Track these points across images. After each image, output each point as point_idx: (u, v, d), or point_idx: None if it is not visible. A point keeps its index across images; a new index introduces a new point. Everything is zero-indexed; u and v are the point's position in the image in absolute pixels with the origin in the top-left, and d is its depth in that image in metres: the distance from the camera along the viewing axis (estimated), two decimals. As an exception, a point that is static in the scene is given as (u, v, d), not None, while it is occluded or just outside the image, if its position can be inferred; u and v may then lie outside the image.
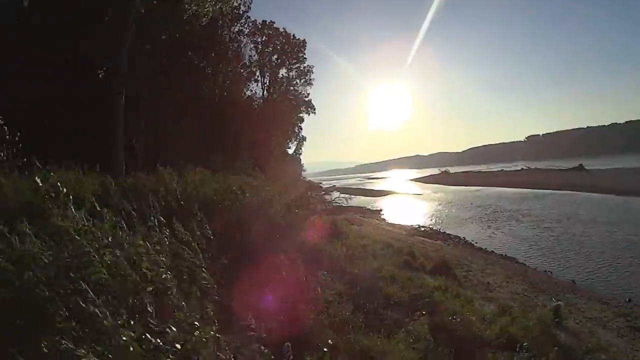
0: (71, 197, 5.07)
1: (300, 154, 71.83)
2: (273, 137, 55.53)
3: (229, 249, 7.69)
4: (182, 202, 9.56)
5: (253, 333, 5.14)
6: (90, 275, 4.08)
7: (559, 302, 14.38)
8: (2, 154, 10.79)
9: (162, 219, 6.37)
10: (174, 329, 4.01)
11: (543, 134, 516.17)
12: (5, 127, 11.09)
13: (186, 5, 27.03)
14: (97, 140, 25.34)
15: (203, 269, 5.49)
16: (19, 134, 11.41)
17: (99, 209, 5.60)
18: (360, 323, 9.36)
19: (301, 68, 62.97)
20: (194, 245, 5.90)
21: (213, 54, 45.48)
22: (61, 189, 5.00)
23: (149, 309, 4.17)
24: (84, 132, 26.07)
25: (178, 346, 3.87)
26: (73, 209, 4.91)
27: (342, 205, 38.67)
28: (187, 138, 36.13)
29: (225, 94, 45.70)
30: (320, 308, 9.18)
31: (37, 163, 7.82)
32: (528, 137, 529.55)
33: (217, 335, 4.37)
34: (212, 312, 4.66)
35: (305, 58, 62.62)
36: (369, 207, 58.74)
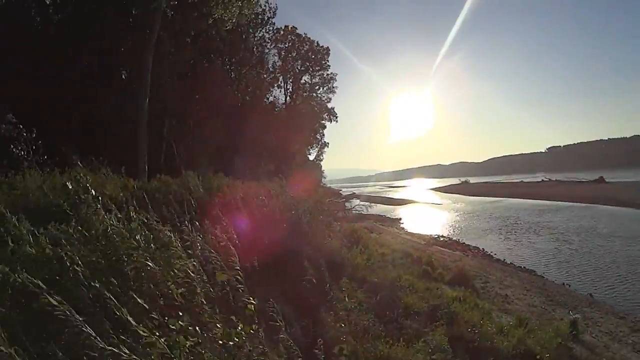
0: (100, 198, 5.17)
1: (321, 160, 72.02)
2: (294, 143, 55.51)
3: (254, 252, 7.76)
4: (206, 206, 9.59)
5: (282, 336, 5.24)
6: (121, 276, 4.18)
7: (576, 316, 14.42)
8: (22, 152, 10.89)
9: (195, 222, 6.50)
10: (218, 326, 4.12)
11: (564, 145, 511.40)
12: (21, 126, 11.22)
13: (211, 10, 27.13)
14: (120, 140, 25.60)
15: (238, 271, 5.56)
16: (34, 131, 11.51)
17: (125, 211, 5.71)
18: (380, 332, 9.41)
19: (324, 75, 63.10)
20: (228, 248, 5.96)
21: (236, 59, 45.85)
22: (91, 190, 5.10)
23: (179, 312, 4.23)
24: (107, 133, 26.31)
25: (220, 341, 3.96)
26: (102, 211, 4.99)
27: (362, 213, 38.76)
28: (210, 141, 36.31)
29: (247, 98, 45.80)
30: (342, 315, 9.27)
31: (76, 162, 8.01)
32: (549, 148, 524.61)
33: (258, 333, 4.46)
34: (250, 313, 4.71)
35: (329, 65, 62.69)
36: (389, 216, 58.58)
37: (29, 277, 3.34)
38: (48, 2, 28.88)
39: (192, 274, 4.66)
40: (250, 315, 4.65)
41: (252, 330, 4.38)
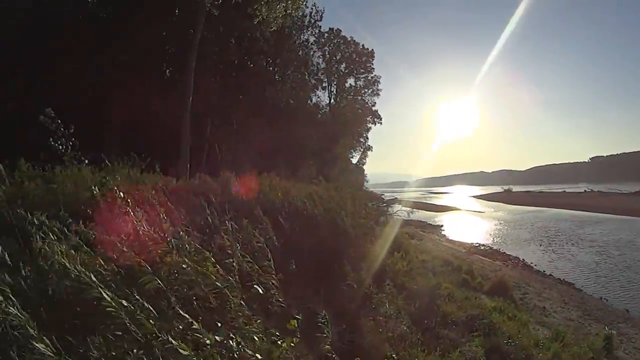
0: (129, 200, 5.12)
1: (364, 164, 71.07)
2: (338, 146, 55.13)
3: (295, 256, 7.75)
4: (246, 207, 9.54)
5: (328, 347, 5.20)
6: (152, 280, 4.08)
7: (612, 331, 14.27)
8: (61, 147, 10.92)
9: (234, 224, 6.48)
10: (255, 338, 4.07)
11: (607, 155, 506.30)
12: (59, 121, 11.26)
13: (256, 10, 27.24)
14: (163, 139, 25.85)
15: (273, 276, 5.56)
16: (73, 127, 11.56)
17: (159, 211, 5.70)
18: (417, 340, 9.36)
19: (369, 78, 62.93)
20: (265, 251, 6.00)
21: (281, 60, 46.22)
22: (118, 193, 5.06)
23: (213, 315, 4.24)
24: (148, 131, 26.59)
25: (259, 355, 3.89)
26: (132, 212, 4.91)
27: (403, 219, 38.61)
28: (253, 142, 36.43)
29: (291, 100, 45.81)
30: (380, 321, 9.22)
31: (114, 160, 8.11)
32: (592, 158, 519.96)
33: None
34: (295, 325, 4.61)
35: (373, 68, 62.54)
36: (430, 222, 57.96)
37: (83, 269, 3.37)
38: (90, 0, 29.36)
39: (226, 277, 4.63)
40: (292, 330, 4.53)
41: (293, 343, 4.30)
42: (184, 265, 4.37)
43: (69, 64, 25.19)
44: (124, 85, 27.04)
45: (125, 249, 4.39)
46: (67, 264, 3.63)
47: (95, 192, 5.11)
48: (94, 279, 3.51)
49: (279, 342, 4.15)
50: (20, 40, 24.38)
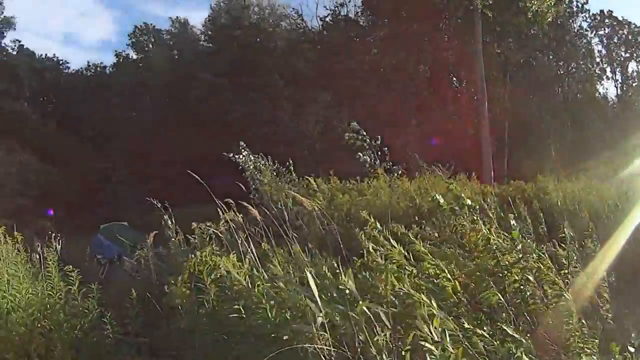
0: (477, 207, 5.05)
1: None
2: (632, 140, 52.27)
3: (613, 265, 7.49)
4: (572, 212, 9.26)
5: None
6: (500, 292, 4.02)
7: None
8: (369, 161, 11.59)
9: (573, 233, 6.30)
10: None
11: None
12: (364, 132, 11.92)
13: (527, 3, 27.02)
14: (462, 144, 26.45)
15: (606, 289, 5.21)
16: (379, 138, 12.18)
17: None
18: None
19: (648, 61, 57.83)
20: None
21: (563, 54, 45.51)
22: (465, 200, 5.00)
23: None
24: (447, 138, 27.51)
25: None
26: (480, 221, 4.69)
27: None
28: (551, 142, 36.30)
29: (579, 95, 45.23)
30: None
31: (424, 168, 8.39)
32: None
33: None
34: None
35: (651, 48, 57.28)
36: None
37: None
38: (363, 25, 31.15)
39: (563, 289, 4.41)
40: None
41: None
42: (529, 277, 4.19)
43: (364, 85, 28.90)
44: (415, 98, 28.25)
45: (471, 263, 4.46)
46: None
47: (438, 200, 5.10)
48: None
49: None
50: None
